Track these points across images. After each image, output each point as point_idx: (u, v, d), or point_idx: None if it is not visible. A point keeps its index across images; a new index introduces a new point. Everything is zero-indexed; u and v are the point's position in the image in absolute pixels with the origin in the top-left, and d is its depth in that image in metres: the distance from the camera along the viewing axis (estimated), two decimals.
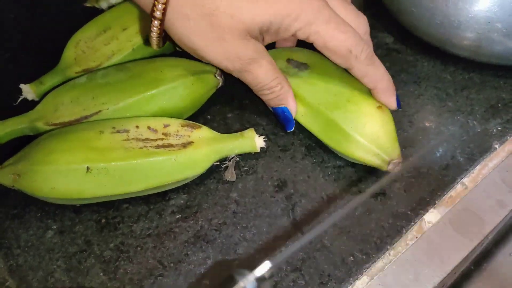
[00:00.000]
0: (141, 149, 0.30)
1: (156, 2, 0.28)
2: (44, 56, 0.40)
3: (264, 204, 0.32)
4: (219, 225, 0.31)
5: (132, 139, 0.30)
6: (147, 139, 0.30)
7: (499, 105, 0.37)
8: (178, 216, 0.31)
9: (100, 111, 0.32)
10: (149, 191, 0.31)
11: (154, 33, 0.30)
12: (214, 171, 0.33)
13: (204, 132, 0.32)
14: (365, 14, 0.33)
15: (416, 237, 0.30)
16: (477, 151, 0.34)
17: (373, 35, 0.35)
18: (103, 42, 0.37)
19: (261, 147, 0.33)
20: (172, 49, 0.39)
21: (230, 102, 0.38)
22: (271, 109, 0.35)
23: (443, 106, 0.37)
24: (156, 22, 0.29)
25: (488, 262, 0.40)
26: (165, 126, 0.31)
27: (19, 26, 0.44)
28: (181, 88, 0.33)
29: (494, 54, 0.37)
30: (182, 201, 0.32)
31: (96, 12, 0.42)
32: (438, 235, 0.30)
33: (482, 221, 0.31)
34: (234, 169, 0.33)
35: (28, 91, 0.36)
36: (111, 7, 0.43)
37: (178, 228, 0.31)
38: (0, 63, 0.41)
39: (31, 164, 0.29)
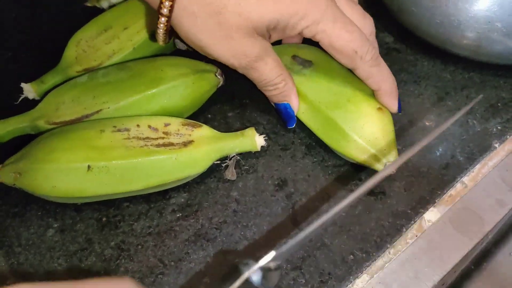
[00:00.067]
0: (142, 148, 0.30)
1: (163, 0, 0.28)
2: (45, 56, 0.40)
3: (264, 203, 0.32)
4: (219, 224, 0.31)
5: (133, 138, 0.30)
6: (147, 138, 0.30)
7: (499, 104, 0.37)
8: (179, 214, 0.31)
9: (101, 110, 0.33)
10: (150, 189, 0.31)
11: (161, 30, 0.30)
12: (215, 170, 0.33)
13: (204, 131, 0.32)
14: None
15: (416, 236, 0.30)
16: (477, 150, 0.34)
17: None
18: (104, 41, 0.37)
19: (262, 146, 0.33)
20: (173, 48, 0.39)
21: (230, 101, 0.38)
22: (273, 105, 0.35)
23: (443, 105, 0.37)
24: (163, 19, 0.29)
25: (488, 261, 0.40)
26: (166, 125, 0.31)
27: (20, 25, 0.44)
28: (181, 87, 0.33)
29: (494, 54, 0.37)
30: (182, 200, 0.32)
31: (97, 11, 0.42)
32: (438, 234, 0.31)
33: (481, 220, 0.31)
34: (235, 168, 0.33)
35: (29, 90, 0.37)
36: (112, 6, 0.43)
37: (178, 226, 0.31)
38: (1, 63, 0.41)
39: (32, 162, 0.29)
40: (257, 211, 0.31)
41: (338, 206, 0.23)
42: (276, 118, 0.36)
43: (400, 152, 0.33)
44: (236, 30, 0.29)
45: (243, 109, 0.37)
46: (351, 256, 0.29)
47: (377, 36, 0.33)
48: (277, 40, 0.34)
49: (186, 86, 0.34)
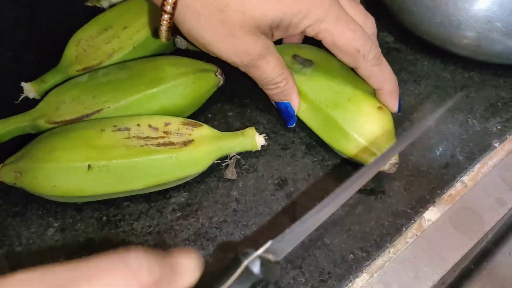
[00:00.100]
0: (142, 147, 0.30)
1: None
2: (45, 55, 0.40)
3: (264, 202, 0.32)
4: (219, 223, 0.31)
5: (133, 137, 0.30)
6: (148, 137, 0.30)
7: (498, 104, 0.37)
8: (179, 214, 0.31)
9: (101, 109, 0.33)
10: (150, 189, 0.31)
11: (164, 27, 0.30)
12: (215, 169, 0.33)
13: (205, 131, 0.32)
14: None
15: (416, 235, 0.30)
16: (477, 149, 0.34)
17: None
18: (104, 40, 0.37)
19: (262, 146, 0.33)
20: (173, 48, 0.39)
21: (230, 100, 0.38)
22: (273, 104, 0.35)
23: (443, 105, 0.37)
24: (166, 16, 0.29)
25: (488, 261, 0.40)
26: (166, 124, 0.31)
27: (20, 25, 0.44)
28: (182, 87, 0.34)
29: (494, 53, 0.37)
30: (182, 199, 0.32)
31: (97, 11, 0.42)
32: (437, 233, 0.31)
33: (481, 219, 0.31)
34: (235, 168, 0.33)
35: (30, 89, 0.37)
36: (112, 6, 0.43)
37: (178, 226, 0.31)
38: (2, 62, 0.41)
39: (32, 162, 0.29)
40: (257, 210, 0.31)
41: (337, 198, 0.23)
42: (276, 118, 0.36)
43: (400, 151, 0.33)
44: (239, 28, 0.29)
45: (243, 108, 0.37)
46: (351, 255, 0.29)
47: (377, 36, 0.33)
48: (277, 40, 0.34)
49: (186, 85, 0.34)
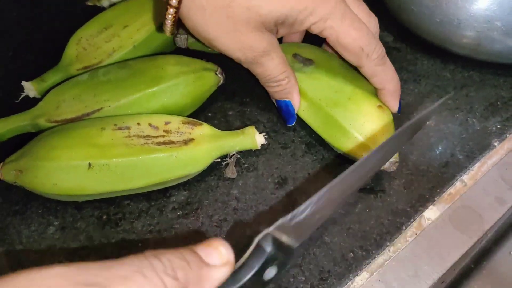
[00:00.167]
0: (142, 146, 0.30)
1: None
2: (45, 54, 0.40)
3: (264, 201, 0.32)
4: (220, 222, 0.31)
5: (134, 136, 0.30)
6: (148, 136, 0.31)
7: (498, 103, 0.37)
8: (179, 212, 0.31)
9: (101, 108, 0.33)
10: (150, 187, 0.31)
11: (169, 21, 0.30)
12: (215, 168, 0.33)
13: (205, 129, 0.32)
14: None
15: (416, 234, 0.30)
16: (477, 148, 0.34)
17: None
18: (104, 39, 0.37)
19: (262, 144, 0.33)
20: (173, 47, 0.39)
21: (231, 99, 0.38)
22: (274, 102, 0.35)
23: (442, 104, 0.37)
24: (171, 10, 0.29)
25: (488, 260, 0.40)
26: (166, 123, 0.31)
27: (21, 25, 0.44)
28: (182, 86, 0.34)
29: (494, 53, 0.37)
30: (183, 198, 0.32)
31: (98, 10, 0.42)
32: (437, 232, 0.31)
33: (481, 218, 0.31)
34: (235, 166, 0.33)
35: (30, 88, 0.37)
36: (112, 5, 0.43)
37: (179, 224, 0.31)
38: (2, 61, 0.41)
39: (33, 160, 0.29)
40: (257, 209, 0.31)
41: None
42: (277, 117, 0.36)
43: (400, 150, 0.33)
44: (244, 24, 0.29)
45: (244, 107, 0.37)
46: (351, 254, 0.29)
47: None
48: (278, 39, 0.34)
49: (186, 84, 0.34)
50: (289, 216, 0.20)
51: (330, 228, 0.30)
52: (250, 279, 0.18)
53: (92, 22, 0.38)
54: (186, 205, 0.32)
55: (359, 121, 0.32)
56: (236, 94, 0.38)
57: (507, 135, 0.35)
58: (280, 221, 0.20)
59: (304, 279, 0.28)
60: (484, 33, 0.35)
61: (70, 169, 0.29)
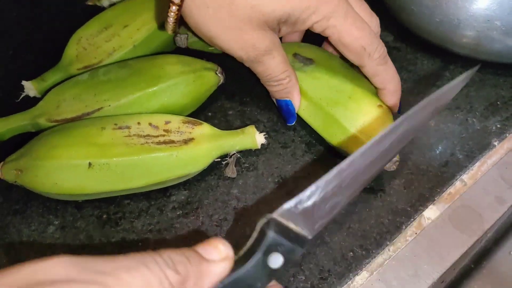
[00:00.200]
0: (143, 145, 0.30)
1: None
2: (45, 54, 0.40)
3: (264, 200, 0.32)
4: (220, 221, 0.31)
5: (134, 135, 0.30)
6: (148, 135, 0.31)
7: (498, 103, 0.37)
8: (179, 212, 0.31)
9: (101, 107, 0.33)
10: (150, 187, 0.31)
11: (171, 18, 0.30)
12: (215, 167, 0.33)
13: (205, 129, 0.32)
14: None
15: (416, 233, 0.30)
16: (476, 148, 0.34)
17: None
18: (104, 39, 0.37)
19: (262, 144, 0.33)
20: (173, 47, 0.39)
21: (231, 99, 0.38)
22: (274, 101, 0.35)
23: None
24: (174, 8, 0.29)
25: (488, 260, 0.40)
26: (166, 122, 0.31)
27: (21, 24, 0.44)
28: (182, 85, 0.34)
29: (493, 52, 0.37)
30: (183, 197, 0.32)
31: (98, 10, 0.42)
32: (437, 231, 0.31)
33: (481, 217, 0.31)
34: (235, 166, 0.33)
35: (30, 88, 0.37)
36: (112, 4, 0.43)
37: (179, 224, 0.31)
38: (2, 61, 0.41)
39: (33, 159, 0.29)
40: (258, 208, 0.31)
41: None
42: (277, 116, 0.36)
43: (400, 149, 0.33)
44: (247, 22, 0.29)
45: (244, 107, 0.37)
46: (351, 253, 0.29)
47: None
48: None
49: (186, 84, 0.34)
50: (293, 201, 0.20)
51: (330, 228, 0.30)
52: (254, 265, 0.18)
53: (92, 21, 0.38)
54: (186, 205, 0.32)
55: (360, 120, 0.32)
56: (236, 93, 0.38)
57: (507, 134, 0.35)
58: (284, 206, 0.20)
59: (304, 278, 0.28)
60: (484, 33, 0.35)
61: (70, 169, 0.29)
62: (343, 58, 0.34)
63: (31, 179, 0.29)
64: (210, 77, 0.35)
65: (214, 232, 0.30)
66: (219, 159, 0.33)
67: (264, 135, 0.33)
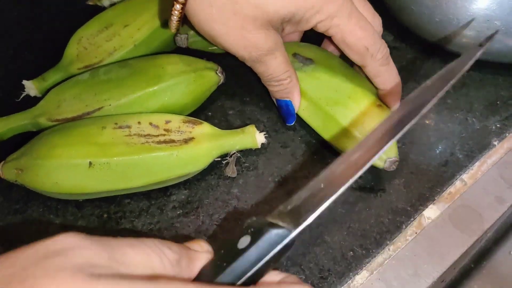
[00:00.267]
0: (143, 144, 0.30)
1: None
2: (46, 54, 0.40)
3: (265, 200, 0.32)
4: (220, 220, 0.31)
5: (134, 134, 0.30)
6: (148, 134, 0.31)
7: (498, 102, 0.37)
8: (180, 211, 0.31)
9: (102, 107, 0.33)
10: (151, 186, 0.31)
11: (175, 17, 0.29)
12: (215, 167, 0.33)
13: (205, 128, 0.32)
14: None
15: (416, 233, 0.31)
16: (476, 148, 0.34)
17: None
18: (105, 38, 0.37)
19: (262, 144, 0.33)
20: (174, 46, 0.39)
21: (231, 99, 0.38)
22: (274, 101, 0.35)
23: (442, 103, 0.37)
24: (178, 6, 0.29)
25: (488, 260, 0.40)
26: (167, 122, 0.31)
27: (21, 24, 0.44)
28: (182, 85, 0.34)
29: (493, 52, 0.37)
30: (183, 197, 0.32)
31: (98, 9, 0.42)
32: (437, 230, 0.31)
33: (481, 217, 0.31)
34: (235, 165, 0.33)
35: (31, 87, 0.37)
36: (112, 4, 0.43)
37: (179, 223, 0.31)
38: (3, 61, 0.41)
39: (34, 158, 0.29)
40: (258, 208, 0.32)
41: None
42: (277, 116, 0.36)
43: (400, 149, 0.33)
44: (251, 21, 0.29)
45: (244, 106, 0.37)
46: (351, 252, 0.29)
47: None
48: None
49: (187, 83, 0.34)
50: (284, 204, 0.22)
51: (330, 227, 0.30)
52: (226, 249, 0.20)
53: (93, 21, 0.38)
54: (186, 204, 0.32)
55: (359, 120, 0.32)
56: (236, 93, 0.38)
57: (507, 134, 0.35)
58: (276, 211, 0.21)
59: (304, 277, 0.28)
60: (484, 33, 0.35)
61: (71, 168, 0.29)
62: (343, 57, 0.34)
63: (31, 178, 0.29)
64: (210, 77, 0.35)
65: (214, 231, 0.30)
66: (219, 159, 0.33)
67: (264, 134, 0.33)
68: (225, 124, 0.36)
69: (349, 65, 0.35)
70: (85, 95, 0.33)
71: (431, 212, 0.31)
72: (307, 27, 0.30)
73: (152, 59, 0.35)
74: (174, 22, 0.30)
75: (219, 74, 0.35)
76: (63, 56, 0.38)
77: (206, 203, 0.32)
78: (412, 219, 0.31)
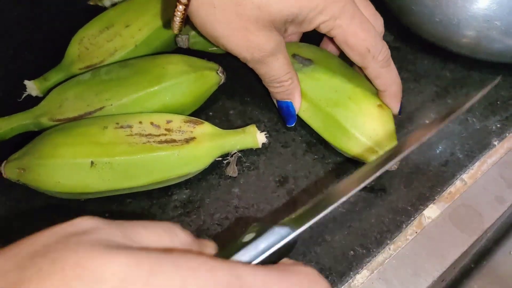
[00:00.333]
0: (144, 144, 0.30)
1: None
2: (46, 54, 0.40)
3: (265, 200, 0.32)
4: (221, 220, 0.31)
5: (136, 134, 0.31)
6: (150, 134, 0.31)
7: (498, 102, 0.37)
8: (181, 211, 0.32)
9: (103, 107, 0.33)
10: (152, 186, 0.31)
11: (178, 18, 0.29)
12: (216, 166, 0.34)
13: (206, 128, 0.32)
14: None
15: (416, 232, 0.31)
16: (476, 147, 0.35)
17: None
18: (106, 38, 0.37)
19: (263, 143, 0.33)
20: (175, 47, 0.40)
21: (232, 98, 0.38)
22: (274, 102, 0.35)
23: (442, 103, 0.37)
24: (180, 7, 0.29)
25: (488, 259, 0.40)
26: (168, 122, 0.31)
27: (21, 24, 0.44)
28: (183, 85, 0.34)
29: (493, 52, 0.37)
30: (184, 196, 0.32)
31: (99, 10, 0.42)
32: (437, 230, 0.31)
33: (481, 216, 0.31)
34: (236, 165, 0.33)
35: (33, 87, 0.37)
36: (114, 4, 0.43)
37: (180, 223, 0.31)
38: (5, 60, 0.41)
39: (36, 158, 0.30)
40: (258, 207, 0.32)
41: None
42: (277, 116, 0.37)
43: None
44: (253, 22, 0.29)
45: (245, 106, 0.37)
46: (352, 252, 0.29)
47: None
48: None
49: (188, 83, 0.34)
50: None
51: (330, 227, 0.31)
52: (230, 242, 0.20)
53: (94, 21, 0.38)
54: (187, 203, 0.32)
55: (360, 120, 0.32)
56: (237, 93, 0.38)
57: (507, 134, 0.35)
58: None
59: None
60: (484, 33, 0.35)
61: (73, 167, 0.29)
62: (342, 57, 0.34)
63: (33, 177, 0.30)
64: (211, 77, 0.35)
65: (215, 231, 0.31)
66: (220, 158, 0.33)
67: (265, 134, 0.33)
68: (226, 124, 0.36)
69: (348, 65, 0.35)
70: (86, 95, 0.33)
71: (431, 212, 0.32)
72: (310, 27, 0.30)
73: (153, 59, 0.35)
74: (177, 23, 0.30)
75: (220, 74, 0.36)
76: (64, 56, 0.38)
77: (207, 202, 0.32)
78: (413, 218, 0.31)
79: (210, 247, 0.20)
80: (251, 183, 0.33)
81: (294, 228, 0.20)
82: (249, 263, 0.19)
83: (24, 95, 0.37)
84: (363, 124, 0.32)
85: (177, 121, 0.32)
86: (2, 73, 0.40)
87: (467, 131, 0.35)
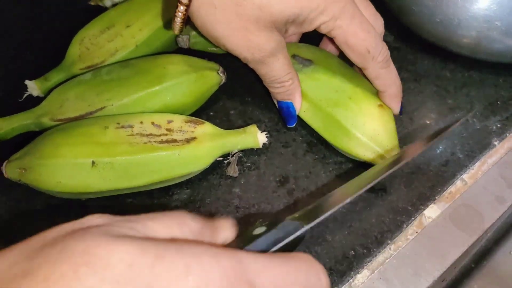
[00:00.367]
0: (145, 144, 0.30)
1: None
2: (46, 54, 0.40)
3: (266, 199, 0.32)
4: None
5: (136, 134, 0.31)
6: (151, 134, 0.31)
7: (498, 102, 0.37)
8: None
9: (104, 107, 0.33)
10: (153, 185, 0.31)
11: (178, 18, 0.29)
12: (217, 166, 0.34)
13: (207, 128, 0.32)
14: None
15: (416, 232, 0.31)
16: (477, 147, 0.35)
17: None
18: (107, 39, 0.37)
19: (263, 143, 0.33)
20: (175, 47, 0.40)
21: (232, 98, 0.38)
22: (275, 102, 0.35)
23: (443, 103, 0.38)
24: (181, 8, 0.29)
25: (488, 259, 0.40)
26: (169, 122, 0.32)
27: (21, 25, 0.44)
28: (184, 85, 0.34)
29: (493, 52, 0.37)
30: (185, 196, 0.32)
31: (100, 10, 0.42)
32: (438, 230, 0.31)
33: (481, 216, 0.31)
34: (237, 165, 0.33)
35: (33, 87, 0.37)
36: (114, 4, 0.43)
37: None
38: (5, 60, 0.41)
39: (37, 158, 0.30)
40: (259, 207, 0.32)
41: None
42: (278, 116, 0.37)
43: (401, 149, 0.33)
44: (254, 22, 0.29)
45: (245, 106, 0.37)
46: (352, 251, 0.30)
47: None
48: None
49: (188, 83, 0.34)
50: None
51: (331, 226, 0.31)
52: (241, 234, 0.20)
53: (95, 22, 0.38)
54: (188, 203, 0.32)
55: (360, 120, 0.32)
56: (238, 93, 0.38)
57: (507, 134, 0.35)
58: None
59: None
60: (484, 33, 0.35)
61: (74, 167, 0.29)
62: (341, 57, 0.34)
63: (35, 177, 0.30)
64: (212, 77, 0.35)
65: None
66: (221, 158, 0.33)
67: (265, 134, 0.33)
68: (227, 124, 0.36)
69: (348, 65, 0.35)
70: (87, 95, 0.33)
71: (431, 212, 0.32)
72: (310, 28, 0.30)
73: (154, 59, 0.35)
74: (178, 23, 0.30)
75: (221, 74, 0.36)
76: (65, 56, 0.38)
77: (208, 202, 0.32)
78: (413, 218, 0.31)
79: (226, 228, 0.20)
80: (251, 183, 0.33)
81: (304, 223, 0.20)
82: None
83: (25, 95, 0.37)
84: (363, 124, 0.32)
85: (178, 121, 0.32)
86: (2, 73, 0.41)
87: (467, 131, 0.36)
